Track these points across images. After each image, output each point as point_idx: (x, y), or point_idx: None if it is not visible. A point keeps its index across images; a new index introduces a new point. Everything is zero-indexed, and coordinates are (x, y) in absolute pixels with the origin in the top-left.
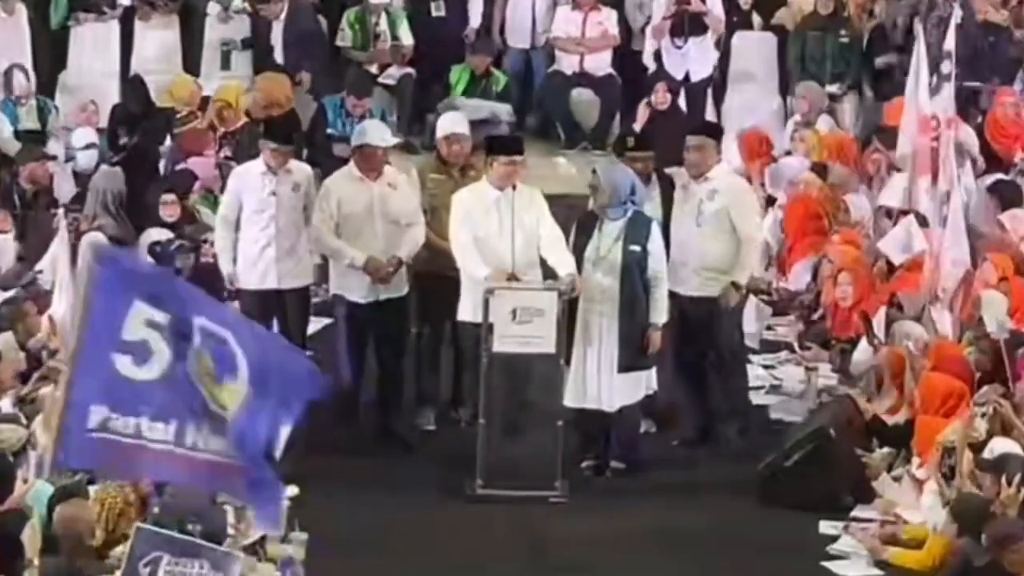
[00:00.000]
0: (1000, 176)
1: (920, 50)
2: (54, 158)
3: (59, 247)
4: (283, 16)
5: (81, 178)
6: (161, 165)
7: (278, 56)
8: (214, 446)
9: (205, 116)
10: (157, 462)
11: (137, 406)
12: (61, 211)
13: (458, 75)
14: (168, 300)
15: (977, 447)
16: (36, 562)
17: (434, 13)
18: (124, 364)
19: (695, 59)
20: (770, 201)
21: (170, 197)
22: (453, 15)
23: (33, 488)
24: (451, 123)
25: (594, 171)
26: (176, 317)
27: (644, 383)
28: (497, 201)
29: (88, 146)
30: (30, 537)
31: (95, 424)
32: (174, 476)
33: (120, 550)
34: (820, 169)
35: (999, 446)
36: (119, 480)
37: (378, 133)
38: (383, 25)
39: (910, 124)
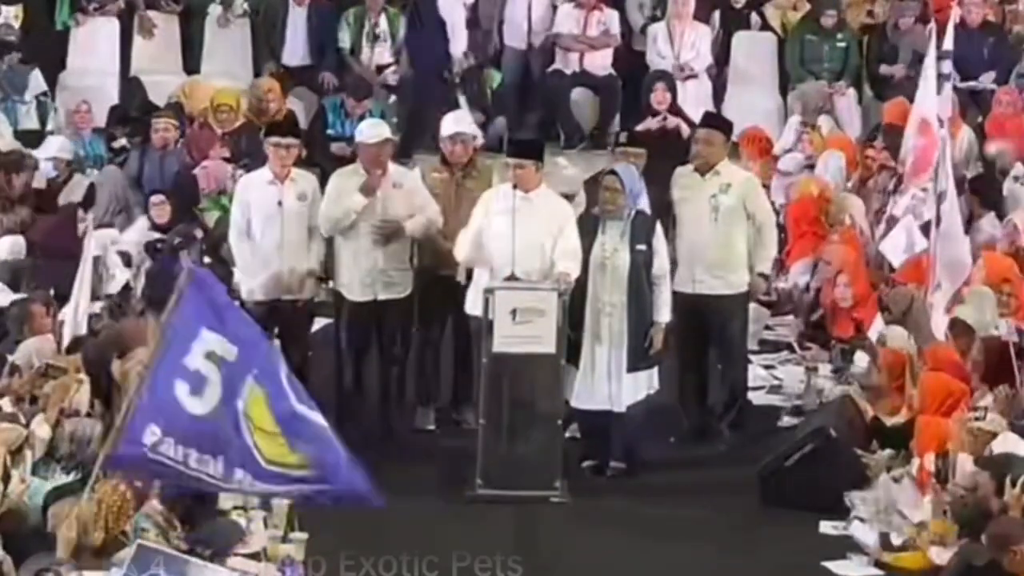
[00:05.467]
0: (980, 172)
1: (931, 54)
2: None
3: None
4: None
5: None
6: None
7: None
8: (260, 488)
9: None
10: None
11: (187, 436)
12: (91, 217)
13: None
14: (234, 338)
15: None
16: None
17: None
18: (183, 391)
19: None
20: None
21: (158, 198)
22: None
23: (30, 487)
24: (455, 123)
25: (609, 173)
26: (237, 358)
27: (647, 382)
28: (511, 202)
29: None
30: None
31: (149, 443)
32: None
33: (122, 555)
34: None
35: (1001, 446)
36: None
37: (373, 130)
38: (383, 25)
39: (911, 126)
